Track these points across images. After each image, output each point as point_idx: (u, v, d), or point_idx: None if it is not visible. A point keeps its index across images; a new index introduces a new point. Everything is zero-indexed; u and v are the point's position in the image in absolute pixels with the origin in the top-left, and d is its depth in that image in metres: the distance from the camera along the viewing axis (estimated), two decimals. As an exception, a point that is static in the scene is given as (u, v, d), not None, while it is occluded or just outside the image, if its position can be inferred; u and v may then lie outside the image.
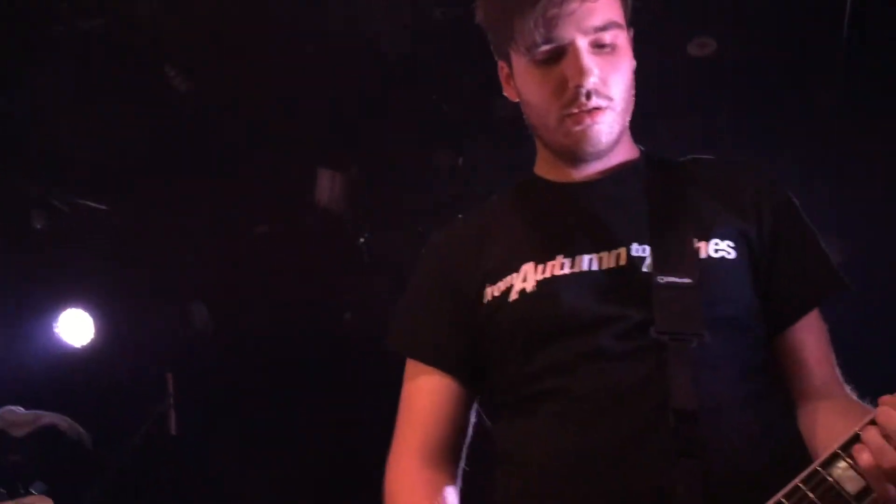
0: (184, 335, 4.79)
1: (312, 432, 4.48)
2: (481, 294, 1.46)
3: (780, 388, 1.41)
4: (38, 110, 3.97)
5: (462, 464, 1.51)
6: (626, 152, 1.52)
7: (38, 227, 4.68)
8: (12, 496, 2.67)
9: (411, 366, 1.53)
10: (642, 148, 1.57)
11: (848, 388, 1.42)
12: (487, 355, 1.46)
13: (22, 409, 4.31)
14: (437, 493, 1.43)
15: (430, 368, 1.50)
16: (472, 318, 1.47)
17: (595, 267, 1.40)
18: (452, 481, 1.48)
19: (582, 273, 1.40)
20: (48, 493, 2.72)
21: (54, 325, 4.80)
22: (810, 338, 1.42)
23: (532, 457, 1.36)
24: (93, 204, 4.81)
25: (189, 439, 4.11)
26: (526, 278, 1.42)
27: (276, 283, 4.79)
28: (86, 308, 4.82)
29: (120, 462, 3.76)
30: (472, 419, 1.53)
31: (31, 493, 2.67)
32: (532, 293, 1.40)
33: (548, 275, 1.41)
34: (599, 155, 1.47)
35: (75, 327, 4.84)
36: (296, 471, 4.39)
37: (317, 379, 4.67)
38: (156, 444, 3.94)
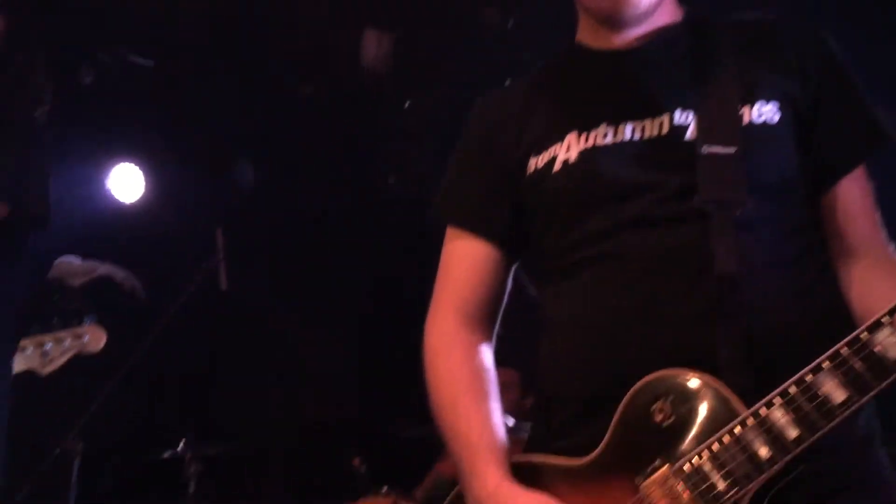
0: (231, 193, 4.88)
1: (355, 292, 4.60)
2: (525, 164, 1.47)
3: (823, 250, 1.40)
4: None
5: (497, 327, 1.55)
6: (669, 14, 1.48)
7: (87, 81, 4.71)
8: (66, 326, 2.76)
9: (452, 232, 1.56)
10: (686, 8, 1.52)
11: (892, 248, 1.40)
12: (530, 224, 1.48)
13: (78, 259, 4.47)
14: (474, 352, 1.48)
15: (470, 235, 1.52)
16: (515, 187, 1.48)
17: (637, 137, 1.39)
18: (488, 342, 1.53)
19: (624, 143, 1.39)
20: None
21: (105, 180, 4.91)
22: (854, 195, 1.40)
23: (575, 317, 1.39)
24: (141, 60, 4.82)
25: (238, 294, 4.24)
26: (569, 148, 1.42)
27: (321, 144, 4.81)
28: (137, 164, 4.91)
29: (172, 314, 3.90)
30: (509, 286, 1.57)
31: (85, 324, 2.75)
32: (575, 164, 1.41)
33: (590, 144, 1.41)
34: (639, 18, 1.44)
35: (126, 183, 4.94)
36: (340, 327, 4.53)
37: (360, 239, 4.75)
38: (206, 299, 4.07)
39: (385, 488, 3.50)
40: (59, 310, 2.80)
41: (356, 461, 3.76)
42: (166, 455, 3.82)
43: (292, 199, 4.89)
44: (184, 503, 3.69)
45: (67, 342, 2.53)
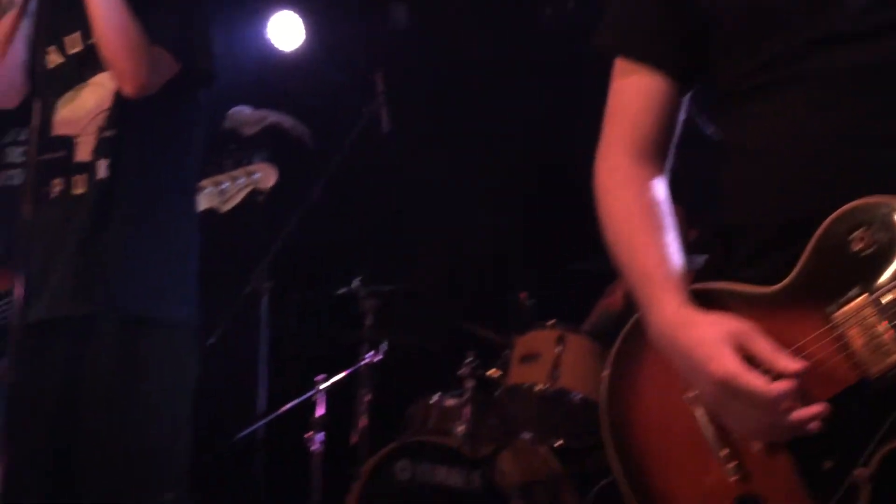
0: (389, 35, 4.88)
1: (516, 129, 4.57)
2: None
3: None
4: None
5: (670, 161, 1.52)
6: None
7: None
8: (239, 164, 2.89)
9: (621, 64, 1.50)
10: None
11: None
12: (707, 49, 1.40)
13: (249, 108, 4.65)
14: (649, 186, 1.45)
15: (640, 65, 1.46)
16: (689, 9, 1.40)
17: None
18: (662, 177, 1.50)
19: None
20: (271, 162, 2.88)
21: (265, 29, 5.00)
22: None
23: (767, 143, 1.32)
24: None
25: (400, 136, 4.31)
26: None
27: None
28: (295, 11, 4.96)
29: (339, 158, 4.03)
30: (682, 117, 1.52)
31: (255, 162, 2.86)
32: None
33: None
34: None
35: (286, 30, 5.02)
36: (503, 164, 4.54)
37: (518, 76, 4.68)
38: (370, 142, 4.17)
39: (552, 322, 3.58)
40: (233, 155, 2.91)
41: (523, 295, 3.85)
42: (342, 291, 4.03)
43: (447, 37, 4.84)
44: (362, 334, 3.92)
45: (242, 179, 2.64)
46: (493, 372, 3.65)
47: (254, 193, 2.73)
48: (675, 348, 1.31)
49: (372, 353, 3.89)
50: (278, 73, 4.97)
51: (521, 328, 3.64)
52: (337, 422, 3.73)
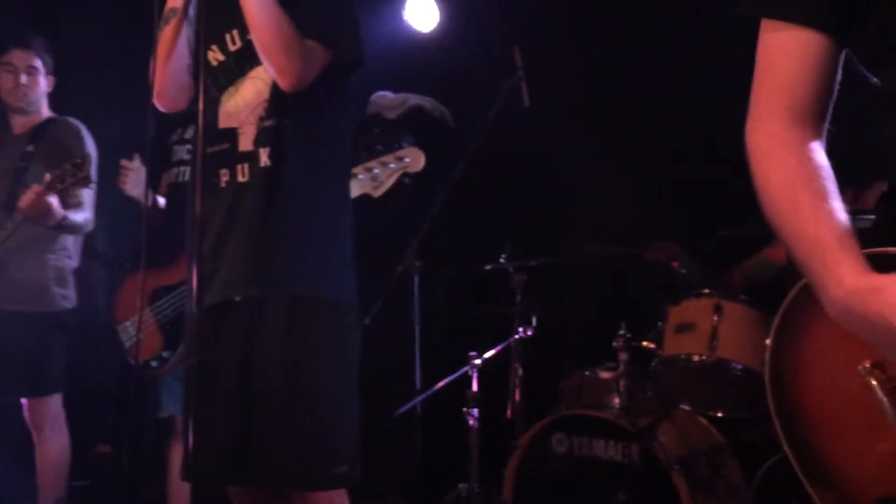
0: (525, 10, 4.86)
1: (654, 96, 4.47)
2: None
3: None
4: None
5: (827, 123, 1.46)
6: None
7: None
8: (388, 150, 2.97)
9: (769, 25, 1.43)
10: None
11: None
12: None
13: (391, 93, 4.76)
14: (809, 150, 1.39)
15: (791, 25, 1.39)
16: None
17: None
18: (820, 139, 1.44)
19: None
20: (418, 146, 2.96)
21: (402, 11, 5.09)
22: None
23: None
24: None
25: (540, 111, 4.30)
26: None
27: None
28: (430, -7, 5.03)
29: (481, 136, 4.06)
30: (839, 75, 1.45)
31: (403, 147, 2.94)
32: None
33: None
34: None
35: (422, 12, 5.10)
36: (645, 139, 4.45)
37: (655, 47, 4.56)
38: (510, 118, 4.18)
39: (707, 290, 3.50)
40: (381, 141, 3.00)
41: (675, 265, 3.78)
42: (489, 267, 4.08)
43: (584, 6, 4.77)
44: (512, 309, 3.96)
45: (392, 164, 2.72)
46: (647, 343, 3.62)
47: (403, 177, 2.81)
48: (865, 316, 1.23)
49: (523, 328, 3.92)
50: (416, 54, 5.05)
51: (673, 298, 3.58)
52: (491, 396, 3.79)
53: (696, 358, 3.38)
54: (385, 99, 4.59)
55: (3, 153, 4.06)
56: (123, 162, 3.51)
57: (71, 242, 4.04)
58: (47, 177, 3.55)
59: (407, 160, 2.78)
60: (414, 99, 4.49)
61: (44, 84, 4.11)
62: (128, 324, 3.42)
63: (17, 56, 4.04)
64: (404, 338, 4.11)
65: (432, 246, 4.16)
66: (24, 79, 4.02)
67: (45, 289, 3.93)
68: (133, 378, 3.56)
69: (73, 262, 4.05)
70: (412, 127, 4.54)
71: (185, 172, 3.50)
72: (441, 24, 5.08)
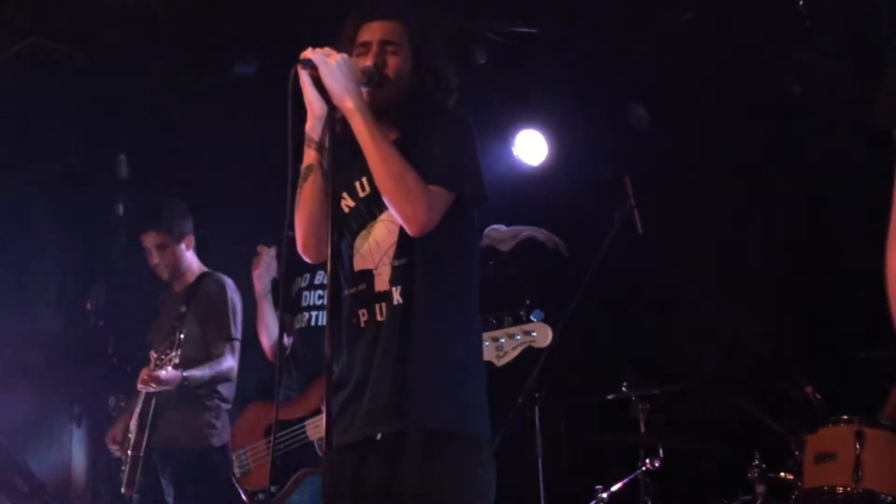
0: (630, 139, 4.94)
1: (773, 212, 4.42)
2: None
3: None
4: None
5: None
6: None
7: (482, 61, 5.06)
8: (516, 322, 3.01)
9: None
10: None
11: None
12: None
13: (503, 226, 4.84)
14: None
15: None
16: None
17: None
18: None
19: None
20: (546, 322, 3.02)
21: (512, 146, 5.24)
22: None
23: None
24: (524, 29, 5.06)
25: (654, 237, 4.30)
26: None
27: (708, 65, 4.67)
28: (538, 129, 5.19)
29: (597, 264, 4.07)
30: None
31: (532, 321, 2.99)
32: None
33: None
34: None
35: (530, 147, 5.25)
36: (767, 253, 4.38)
37: (770, 162, 4.54)
38: (624, 244, 4.18)
39: (846, 417, 3.34)
40: (510, 311, 3.07)
41: (809, 389, 3.63)
42: (611, 397, 4.01)
43: (689, 131, 4.81)
44: (638, 437, 3.85)
45: (518, 337, 2.79)
46: (784, 474, 3.45)
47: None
48: None
49: (650, 459, 3.80)
50: (526, 187, 5.16)
51: (810, 425, 3.42)
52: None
53: (840, 490, 3.20)
54: (498, 232, 4.67)
55: (167, 312, 4.39)
56: (260, 248, 3.70)
57: (223, 387, 4.24)
58: (153, 355, 3.98)
59: (534, 335, 2.84)
60: (527, 231, 4.55)
61: (182, 249, 4.38)
62: (241, 451, 3.50)
63: (147, 239, 4.36)
64: (528, 468, 4.03)
65: (553, 374, 4.13)
66: (156, 259, 4.33)
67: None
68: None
69: (225, 405, 4.26)
70: (526, 258, 4.59)
71: (317, 316, 3.59)
72: (549, 157, 5.21)
